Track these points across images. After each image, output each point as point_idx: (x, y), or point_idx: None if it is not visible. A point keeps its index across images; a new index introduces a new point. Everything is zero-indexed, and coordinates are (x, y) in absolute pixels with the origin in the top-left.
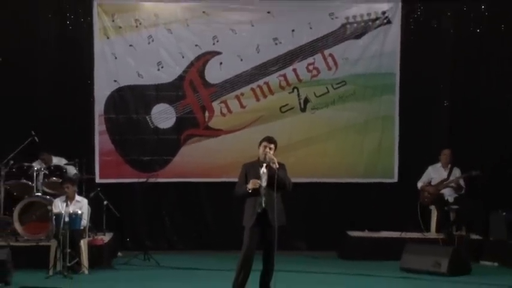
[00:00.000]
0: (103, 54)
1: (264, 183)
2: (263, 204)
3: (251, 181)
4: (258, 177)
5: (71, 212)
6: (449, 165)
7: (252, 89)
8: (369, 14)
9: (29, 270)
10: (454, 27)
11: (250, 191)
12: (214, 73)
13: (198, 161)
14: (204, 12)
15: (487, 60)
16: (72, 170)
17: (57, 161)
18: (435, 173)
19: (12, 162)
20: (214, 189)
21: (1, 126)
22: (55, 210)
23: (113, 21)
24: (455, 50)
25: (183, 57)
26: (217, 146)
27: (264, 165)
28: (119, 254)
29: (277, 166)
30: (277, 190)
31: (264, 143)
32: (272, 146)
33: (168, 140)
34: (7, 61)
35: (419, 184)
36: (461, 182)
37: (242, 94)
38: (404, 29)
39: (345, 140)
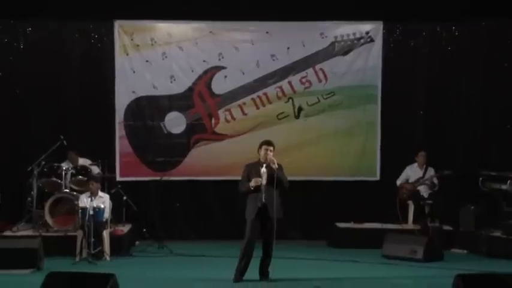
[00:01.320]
0: (123, 69)
1: (264, 181)
2: (263, 200)
3: (253, 180)
4: (259, 176)
5: (95, 206)
6: (424, 166)
7: (253, 99)
8: (354, 34)
9: (58, 257)
10: (428, 45)
11: (252, 188)
12: (220, 85)
13: (205, 162)
14: (211, 32)
15: (457, 74)
16: (95, 170)
17: (82, 161)
18: (412, 172)
19: (43, 163)
20: (219, 187)
21: (34, 131)
22: (81, 204)
23: (132, 40)
24: (429, 65)
25: (192, 71)
26: (223, 148)
27: (264, 165)
28: (137, 243)
29: (277, 166)
30: (276, 187)
31: (265, 146)
32: (272, 148)
33: (179, 144)
34: (41, 75)
35: (398, 182)
36: (435, 180)
37: (244, 103)
38: (385, 47)
39: (334, 144)
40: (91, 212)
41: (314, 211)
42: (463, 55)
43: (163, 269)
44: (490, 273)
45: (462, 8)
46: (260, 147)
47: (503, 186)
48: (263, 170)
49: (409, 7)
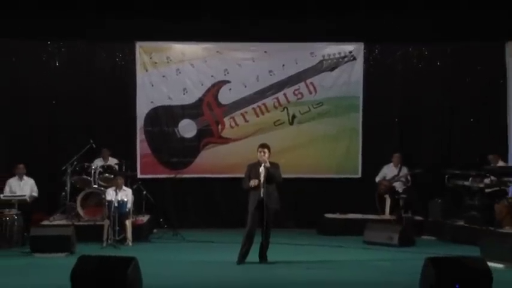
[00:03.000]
0: (143, 83)
1: (262, 178)
2: (261, 194)
3: (252, 180)
4: (258, 174)
5: (119, 199)
6: (399, 165)
7: (253, 108)
8: (339, 53)
9: (88, 243)
10: (402, 63)
11: (252, 187)
12: (225, 96)
13: (213, 162)
14: (217, 51)
15: (426, 88)
16: (120, 168)
17: (110, 160)
18: (388, 171)
19: (75, 163)
20: (225, 183)
21: (68, 136)
22: (107, 198)
23: (150, 58)
24: (403, 80)
25: (202, 84)
26: (228, 150)
27: (262, 165)
28: (154, 230)
29: (268, 165)
30: (270, 182)
31: (260, 149)
32: (265, 150)
33: (191, 146)
34: (73, 88)
35: (377, 179)
36: (408, 177)
37: (246, 112)
38: (365, 64)
39: (322, 146)
40: (116, 205)
41: (305, 204)
42: (432, 71)
43: (177, 253)
44: (454, 256)
45: (431, 32)
46: (257, 149)
47: (466, 183)
48: (261, 169)
49: (386, 31)
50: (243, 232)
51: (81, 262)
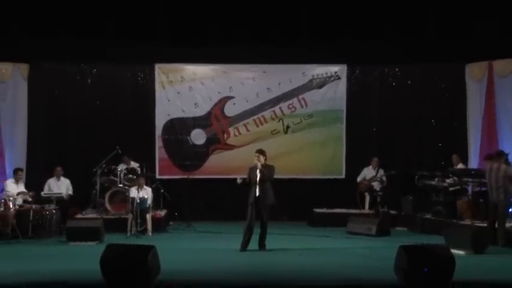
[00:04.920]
0: (161, 98)
1: (258, 179)
2: (257, 192)
3: (238, 178)
4: (256, 175)
5: (141, 196)
6: (376, 168)
7: (254, 120)
8: (326, 73)
9: (114, 233)
10: (379, 82)
11: (240, 184)
12: (230, 110)
13: (219, 165)
14: (223, 72)
15: (399, 102)
16: (141, 170)
17: (132, 164)
18: (368, 172)
19: (104, 166)
20: (230, 183)
21: (97, 143)
22: (131, 195)
23: (167, 77)
24: (380, 95)
25: (210, 99)
26: (232, 155)
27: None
28: (170, 223)
29: (260, 168)
30: (265, 181)
31: (255, 154)
32: (258, 154)
33: (201, 152)
34: (103, 103)
35: (358, 179)
36: (384, 178)
37: (247, 123)
38: (348, 83)
39: (312, 151)
40: (138, 201)
41: (297, 200)
42: (404, 89)
43: (190, 242)
44: (423, 244)
45: (403, 56)
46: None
47: (432, 182)
48: (258, 170)
49: (365, 55)
50: (244, 224)
51: (109, 249)
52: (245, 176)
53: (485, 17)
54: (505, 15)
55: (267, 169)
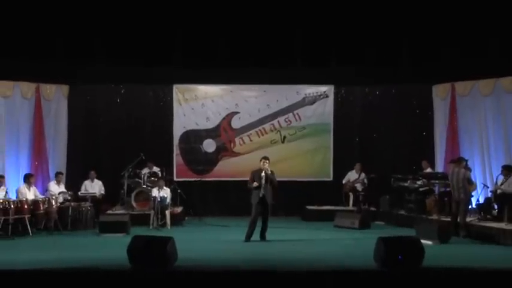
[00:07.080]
0: (178, 114)
1: (263, 181)
2: (262, 193)
3: (254, 183)
4: (260, 178)
5: (161, 196)
6: (359, 171)
7: (256, 131)
8: (317, 92)
9: (139, 226)
10: (361, 100)
11: (255, 188)
12: (236, 123)
13: (227, 169)
14: (231, 91)
15: (378, 118)
16: (161, 174)
17: (154, 168)
18: (352, 176)
19: (130, 169)
20: (236, 184)
21: (125, 151)
22: (153, 194)
23: (183, 96)
24: (361, 111)
25: (219, 114)
26: (238, 161)
27: (263, 171)
28: (186, 218)
29: (269, 172)
30: (270, 185)
31: (263, 160)
32: (267, 161)
33: (211, 158)
34: (130, 117)
35: (344, 181)
36: (365, 180)
37: (250, 134)
38: (335, 100)
39: (305, 158)
40: (158, 199)
41: (293, 198)
42: (382, 105)
43: (202, 234)
44: (398, 236)
45: (380, 78)
46: (260, 160)
47: (405, 184)
48: (262, 174)
49: (349, 77)
50: (249, 219)
51: (135, 240)
52: (257, 184)
53: (450, 45)
54: (466, 43)
55: (272, 175)
